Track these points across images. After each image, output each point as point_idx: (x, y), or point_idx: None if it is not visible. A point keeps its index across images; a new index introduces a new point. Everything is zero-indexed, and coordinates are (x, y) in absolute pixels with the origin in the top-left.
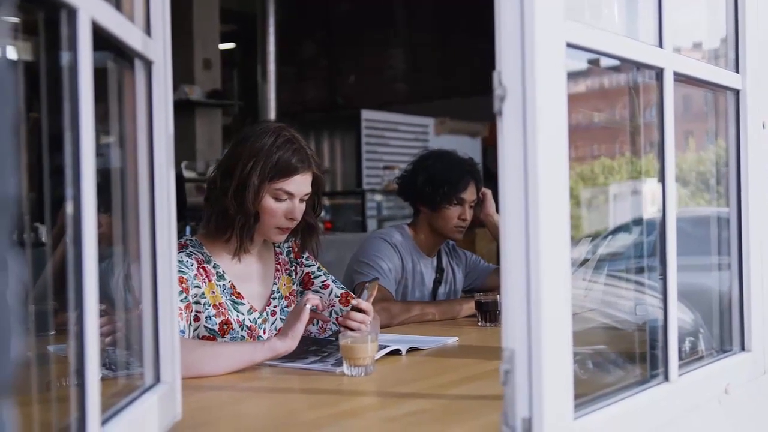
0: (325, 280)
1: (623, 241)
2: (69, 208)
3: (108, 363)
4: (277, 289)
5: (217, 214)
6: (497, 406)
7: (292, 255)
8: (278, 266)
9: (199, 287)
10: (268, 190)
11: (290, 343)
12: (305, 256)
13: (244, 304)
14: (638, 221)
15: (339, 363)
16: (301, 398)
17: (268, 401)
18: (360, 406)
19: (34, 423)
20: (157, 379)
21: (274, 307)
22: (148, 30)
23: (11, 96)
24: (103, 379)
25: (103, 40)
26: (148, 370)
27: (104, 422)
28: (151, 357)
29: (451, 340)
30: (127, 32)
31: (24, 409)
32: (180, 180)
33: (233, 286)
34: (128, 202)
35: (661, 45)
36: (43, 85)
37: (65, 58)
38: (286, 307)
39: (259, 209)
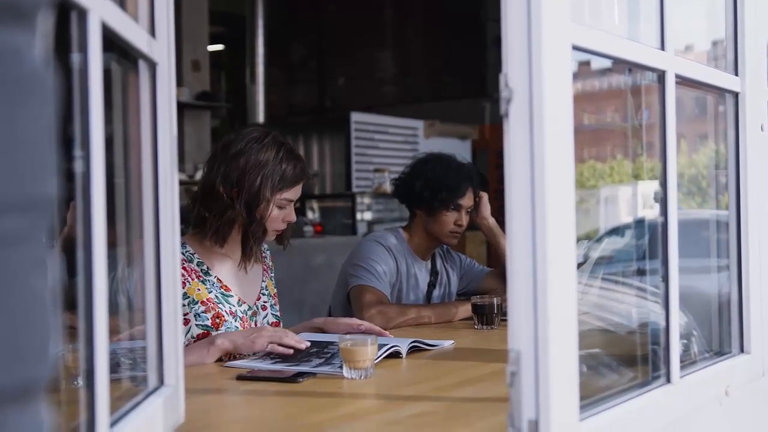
0: (274, 302)
1: (616, 244)
2: (78, 209)
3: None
4: (266, 286)
5: (224, 224)
6: (500, 408)
7: (270, 263)
8: (265, 267)
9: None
10: (275, 201)
11: (227, 344)
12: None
13: (232, 296)
14: (630, 224)
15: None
16: (303, 401)
17: (270, 404)
18: (362, 408)
19: None
20: (161, 381)
21: (264, 302)
22: (152, 31)
23: (51, 97)
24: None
25: (107, 41)
26: (151, 373)
27: (111, 425)
28: (155, 360)
29: (448, 343)
30: (134, 33)
31: None
32: None
33: (220, 280)
34: (131, 203)
35: (663, 47)
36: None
37: (75, 58)
38: (274, 305)
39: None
